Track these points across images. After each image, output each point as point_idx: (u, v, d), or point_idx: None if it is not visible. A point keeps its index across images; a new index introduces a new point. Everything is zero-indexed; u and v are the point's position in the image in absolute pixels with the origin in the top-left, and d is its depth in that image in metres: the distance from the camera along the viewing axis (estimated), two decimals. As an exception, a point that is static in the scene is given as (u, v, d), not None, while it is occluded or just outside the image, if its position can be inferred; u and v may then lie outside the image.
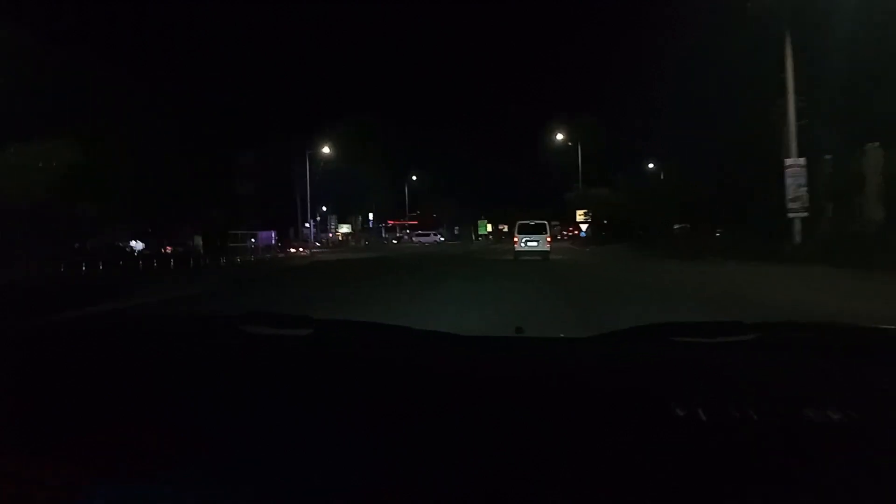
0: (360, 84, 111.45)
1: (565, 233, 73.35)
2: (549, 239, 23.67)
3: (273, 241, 49.08)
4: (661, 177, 56.73)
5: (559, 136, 52.25)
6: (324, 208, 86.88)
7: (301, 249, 51.92)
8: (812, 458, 0.76)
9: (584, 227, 49.90)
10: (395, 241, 76.73)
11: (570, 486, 0.72)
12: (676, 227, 50.64)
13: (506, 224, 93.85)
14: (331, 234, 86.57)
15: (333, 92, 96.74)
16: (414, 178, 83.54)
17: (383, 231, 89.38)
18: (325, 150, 52.01)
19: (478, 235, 73.81)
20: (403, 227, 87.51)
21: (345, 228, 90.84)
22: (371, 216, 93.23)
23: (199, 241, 38.11)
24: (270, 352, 1.32)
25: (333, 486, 0.74)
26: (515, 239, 23.64)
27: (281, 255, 47.73)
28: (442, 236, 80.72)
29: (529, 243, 23.16)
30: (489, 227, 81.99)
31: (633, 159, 54.65)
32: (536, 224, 23.94)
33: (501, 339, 1.42)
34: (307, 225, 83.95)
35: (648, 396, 0.94)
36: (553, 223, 59.57)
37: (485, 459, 0.77)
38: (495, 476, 0.74)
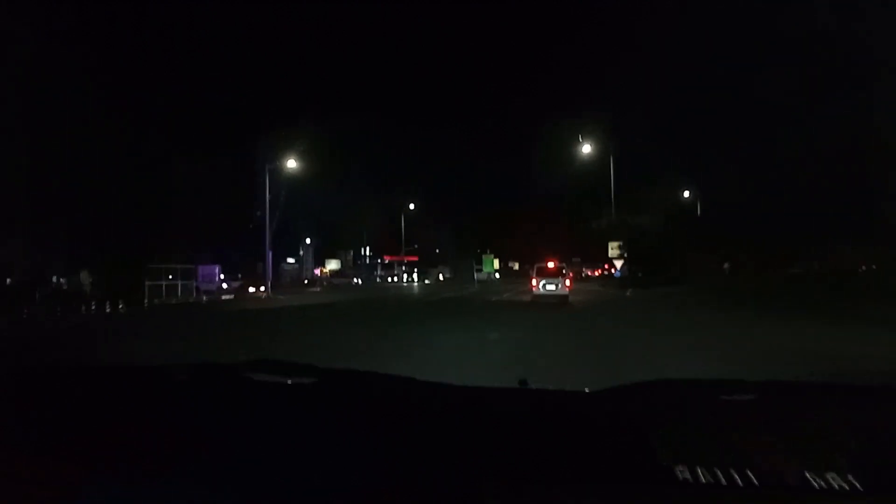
0: (347, 92, 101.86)
1: (593, 272, 62.01)
2: (567, 284, 23.51)
3: (217, 279, 37.90)
4: (699, 207, 45.87)
5: (585, 149, 41.05)
6: (307, 241, 76.69)
7: (259, 290, 40.96)
8: None
9: (618, 263, 38.42)
10: (390, 280, 65.24)
11: (571, 491, 0.76)
12: (726, 265, 39.46)
13: (517, 261, 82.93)
14: (317, 272, 75.75)
15: (313, 96, 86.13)
16: (412, 206, 72.78)
17: (378, 268, 78.16)
18: (291, 163, 41.10)
19: (479, 271, 61.49)
20: (401, 264, 76.39)
21: (333, 265, 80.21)
22: (367, 251, 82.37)
23: (85, 277, 27.03)
24: (275, 398, 1.34)
25: (336, 488, 0.78)
26: (533, 283, 23.64)
27: (226, 298, 36.71)
28: (443, 274, 69.04)
29: (548, 286, 23.10)
30: (496, 263, 67.98)
31: (665, 186, 43.68)
32: (555, 267, 24.07)
33: (504, 391, 1.39)
34: (294, 260, 74.68)
35: (647, 453, 0.94)
36: (574, 259, 47.58)
37: (489, 467, 0.82)
38: (497, 480, 0.78)
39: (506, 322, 14.90)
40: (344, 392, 1.37)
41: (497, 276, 59.81)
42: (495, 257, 63.25)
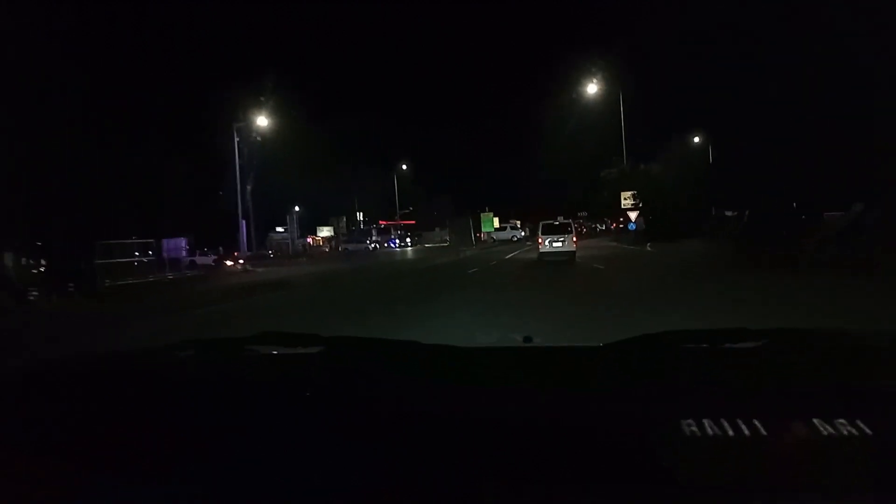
0: (330, 48, 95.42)
1: (606, 226, 57.68)
2: (574, 239, 22.60)
3: (183, 253, 33.84)
4: (710, 154, 41.26)
5: (591, 89, 36.35)
6: (296, 208, 72.25)
7: (233, 263, 37.02)
8: (816, 467, 0.77)
9: (632, 215, 34.11)
10: (386, 246, 60.96)
11: (571, 491, 0.74)
12: (728, 213, 35.26)
13: (517, 220, 78.27)
14: (308, 240, 71.59)
15: (292, 52, 79.64)
16: (404, 167, 68.13)
17: (374, 233, 73.98)
18: (261, 120, 36.54)
19: (478, 235, 55.82)
20: (398, 229, 72.12)
21: (325, 232, 75.96)
22: (361, 216, 78.06)
23: (8, 258, 22.91)
24: (281, 368, 1.37)
25: (336, 488, 0.77)
26: (539, 240, 22.60)
27: (194, 275, 32.73)
28: (441, 237, 64.96)
29: (554, 244, 22.07)
30: (496, 223, 62.60)
31: (674, 131, 39.05)
32: (561, 224, 23.24)
33: (510, 350, 1.42)
34: (285, 229, 70.37)
35: (654, 407, 0.95)
36: (580, 214, 43.14)
37: (489, 467, 0.79)
38: (497, 480, 0.76)
39: (503, 304, 10.65)
40: (347, 361, 1.37)
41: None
42: (495, 216, 59.15)
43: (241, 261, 38.47)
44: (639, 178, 35.68)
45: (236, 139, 36.17)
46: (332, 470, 0.80)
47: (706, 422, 0.84)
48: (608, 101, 37.88)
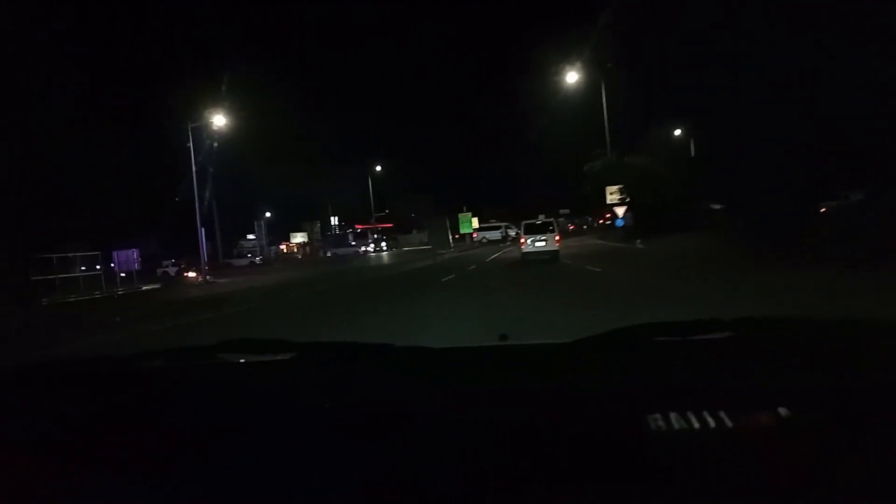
0: (296, 46, 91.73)
1: (591, 222, 55.55)
2: (557, 238, 22.42)
3: (135, 265, 30.98)
4: (692, 146, 39.34)
5: (572, 77, 34.12)
6: (267, 214, 69.33)
7: (196, 275, 34.39)
8: (787, 456, 0.77)
9: (620, 210, 31.94)
10: (365, 251, 58.01)
11: (546, 488, 0.74)
12: (716, 207, 33.40)
13: (494, 220, 75.79)
14: (282, 247, 68.74)
15: (255, 48, 75.61)
16: (378, 167, 65.58)
17: (351, 237, 71.30)
18: (221, 120, 33.83)
19: (456, 237, 51.34)
20: (374, 232, 69.48)
21: (299, 237, 73.15)
22: (336, 220, 75.32)
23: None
24: (251, 378, 1.34)
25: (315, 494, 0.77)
26: (522, 239, 22.60)
27: (149, 289, 30.03)
28: (420, 239, 62.29)
29: (537, 243, 21.97)
30: (476, 223, 57.57)
31: (657, 120, 37.00)
32: (543, 223, 22.92)
33: (484, 349, 1.41)
34: (256, 236, 67.39)
35: (626, 401, 0.96)
36: (562, 211, 40.86)
37: (465, 469, 0.80)
38: (476, 483, 0.76)
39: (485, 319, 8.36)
40: (321, 367, 1.35)
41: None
42: (474, 215, 55.53)
43: (195, 273, 35.92)
44: (624, 170, 33.49)
45: (208, 141, 33.31)
46: (310, 477, 0.79)
47: (672, 415, 0.84)
48: (591, 92, 35.77)
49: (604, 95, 33.93)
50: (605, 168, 34.37)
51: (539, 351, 1.36)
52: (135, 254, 31.42)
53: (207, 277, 33.60)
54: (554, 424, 0.90)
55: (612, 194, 33.74)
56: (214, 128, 34.37)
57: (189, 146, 33.27)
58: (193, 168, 33.51)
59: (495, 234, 54.01)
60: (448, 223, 38.93)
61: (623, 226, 32.21)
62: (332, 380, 1.22)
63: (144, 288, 30.43)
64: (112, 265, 31.31)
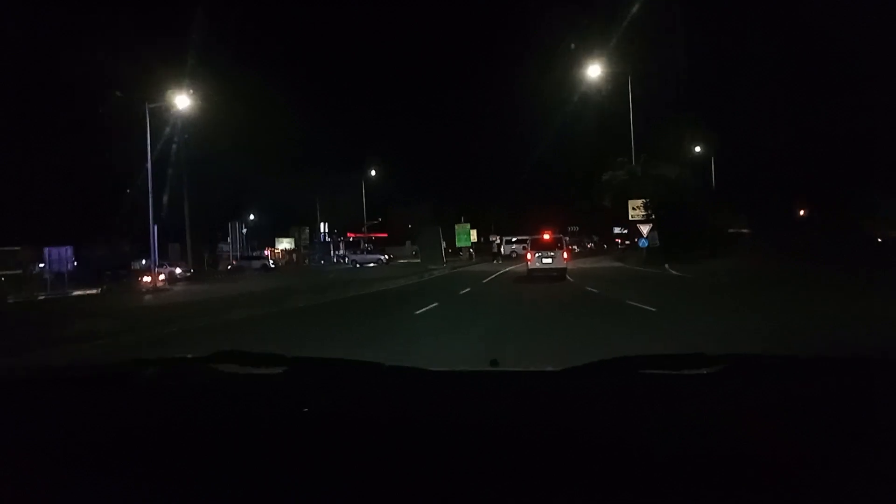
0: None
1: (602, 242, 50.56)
2: (565, 256, 21.37)
3: (69, 264, 26.02)
4: (713, 163, 34.54)
5: (593, 73, 29.31)
6: (251, 216, 64.47)
7: (152, 279, 29.57)
8: (761, 490, 0.78)
9: (644, 229, 27.01)
10: (353, 264, 52.49)
11: None
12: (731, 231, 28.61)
13: (497, 235, 70.13)
14: (266, 253, 63.76)
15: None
16: (373, 172, 60.94)
17: (341, 247, 66.36)
18: (182, 102, 29.05)
19: (449, 251, 44.60)
20: (367, 242, 64.49)
21: (285, 244, 68.25)
22: (325, 227, 70.50)
23: None
24: (244, 390, 1.35)
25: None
26: (529, 256, 21.61)
27: (81, 294, 25.08)
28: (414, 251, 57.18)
29: (544, 260, 21.10)
30: (474, 235, 50.22)
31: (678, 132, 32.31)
32: (552, 239, 21.93)
33: (474, 374, 1.42)
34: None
35: (610, 430, 0.98)
36: (571, 229, 35.99)
37: (448, 487, 0.80)
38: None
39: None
40: (313, 382, 1.36)
41: (472, 253, 43.55)
42: (472, 227, 47.68)
43: (161, 276, 31.08)
44: (651, 182, 28.59)
45: (148, 124, 28.48)
46: (296, 488, 0.80)
47: (654, 441, 0.87)
48: (607, 97, 30.98)
49: (630, 93, 29.12)
50: (630, 177, 29.44)
51: (527, 377, 1.40)
52: (68, 251, 26.58)
53: (162, 283, 28.78)
54: (540, 446, 0.91)
55: (634, 209, 28.88)
56: (178, 110, 29.57)
57: (147, 130, 28.43)
58: (149, 155, 28.67)
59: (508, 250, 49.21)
60: (441, 234, 33.08)
61: (647, 247, 27.26)
62: (320, 395, 1.25)
63: (76, 293, 25.40)
64: (43, 265, 26.49)
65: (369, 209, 63.36)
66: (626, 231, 65.99)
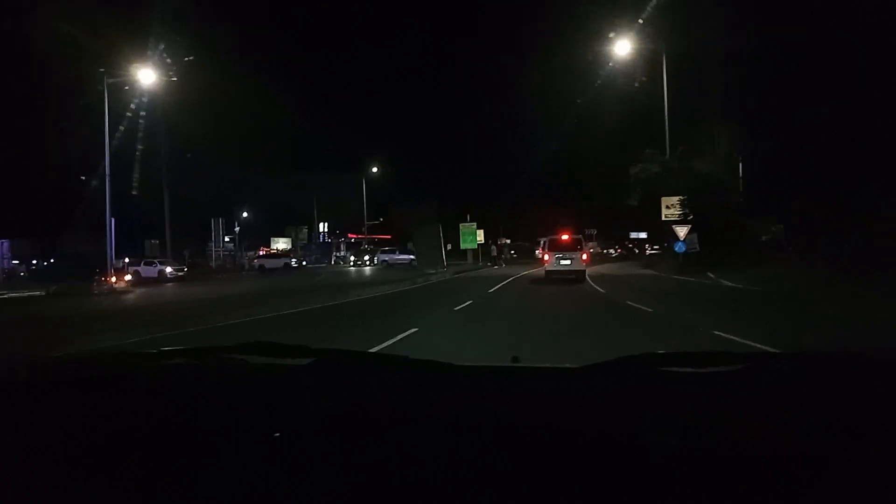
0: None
1: (614, 250, 46.21)
2: (585, 257, 20.51)
3: (5, 261, 22.14)
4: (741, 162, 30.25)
5: (621, 50, 25.26)
6: (244, 214, 60.67)
7: (118, 280, 25.83)
8: (786, 489, 0.78)
9: (682, 232, 22.80)
10: (351, 263, 47.71)
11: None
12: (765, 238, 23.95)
13: (504, 238, 65.88)
14: (261, 252, 59.89)
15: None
16: (374, 169, 57.13)
17: (342, 247, 62.41)
18: (147, 77, 25.26)
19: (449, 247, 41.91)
20: (368, 243, 60.39)
21: (282, 243, 64.52)
22: (324, 227, 66.72)
23: None
24: (272, 380, 1.36)
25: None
26: (546, 257, 20.84)
27: (17, 296, 21.32)
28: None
29: (562, 262, 20.21)
30: (481, 236, 44.08)
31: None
32: (570, 240, 20.93)
33: (496, 369, 1.43)
34: (230, 238, 58.45)
35: (631, 426, 0.97)
36: (587, 232, 31.88)
37: (473, 488, 0.80)
38: (478, 497, 0.78)
39: None
40: (340, 374, 1.38)
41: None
42: (478, 228, 41.62)
43: (127, 277, 27.31)
44: (690, 177, 24.38)
45: (106, 101, 24.63)
46: (323, 485, 0.81)
47: (675, 438, 0.88)
48: (638, 76, 26.83)
49: (665, 73, 24.95)
50: (664, 171, 25.24)
51: (548, 374, 1.40)
52: (4, 246, 22.80)
53: (125, 285, 24.99)
54: (558, 441, 0.92)
55: (668, 208, 24.68)
56: (144, 87, 25.69)
57: (106, 108, 24.58)
58: (107, 138, 24.80)
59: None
60: (441, 233, 27.67)
61: (685, 251, 23.08)
62: (346, 387, 1.27)
63: (13, 295, 21.54)
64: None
65: (372, 209, 59.35)
66: (642, 236, 62.03)
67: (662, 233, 27.76)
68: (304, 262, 49.14)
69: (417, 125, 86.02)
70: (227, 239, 56.51)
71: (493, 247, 37.56)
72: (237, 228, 57.45)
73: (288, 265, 41.71)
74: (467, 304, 12.39)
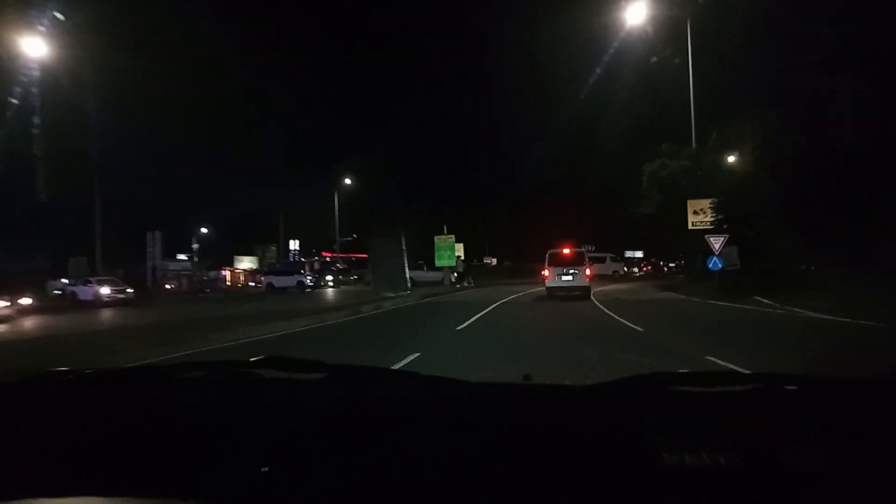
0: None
1: (621, 269, 40.76)
2: (588, 272, 18.98)
3: None
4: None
5: (636, 15, 20.20)
6: (203, 230, 54.96)
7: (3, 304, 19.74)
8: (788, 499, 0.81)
9: (717, 244, 17.48)
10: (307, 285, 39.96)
11: None
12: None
13: (491, 256, 60.22)
14: (224, 273, 54.05)
15: None
16: (347, 181, 51.97)
17: (316, 265, 56.54)
18: (37, 48, 19.88)
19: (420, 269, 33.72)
20: (345, 262, 54.65)
21: (247, 262, 58.94)
22: (295, 244, 61.07)
23: None
24: (286, 395, 1.37)
25: None
26: (546, 272, 19.18)
27: None
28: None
29: (564, 277, 18.76)
30: (460, 253, 38.14)
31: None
32: (572, 254, 19.22)
33: (507, 386, 1.41)
34: (188, 257, 52.60)
35: (642, 445, 0.97)
36: (585, 247, 26.66)
37: (479, 496, 0.83)
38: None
39: None
40: (352, 390, 1.39)
41: (454, 276, 32.76)
42: (457, 241, 34.71)
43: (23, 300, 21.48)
44: (726, 175, 19.13)
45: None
46: (340, 470, 0.86)
47: (686, 455, 0.88)
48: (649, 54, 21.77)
49: (689, 46, 19.81)
50: (691, 167, 19.96)
51: (559, 391, 1.39)
52: None
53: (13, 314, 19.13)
54: (568, 456, 0.93)
55: (697, 214, 19.33)
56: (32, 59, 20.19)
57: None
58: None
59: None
60: (404, 245, 20.83)
61: (723, 268, 17.73)
62: (360, 401, 1.27)
63: None
64: None
65: (350, 225, 53.70)
66: (638, 255, 56.24)
67: (681, 247, 22.52)
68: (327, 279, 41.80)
69: (401, 138, 79.13)
70: (183, 257, 50.91)
71: (459, 262, 30.85)
72: (195, 246, 51.92)
73: (302, 283, 34.61)
74: (411, 358, 6.89)
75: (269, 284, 36.16)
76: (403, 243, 19.79)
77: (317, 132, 75.99)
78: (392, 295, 18.90)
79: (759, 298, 15.40)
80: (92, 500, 0.85)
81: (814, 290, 15.44)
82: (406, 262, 19.78)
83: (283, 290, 32.80)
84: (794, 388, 1.30)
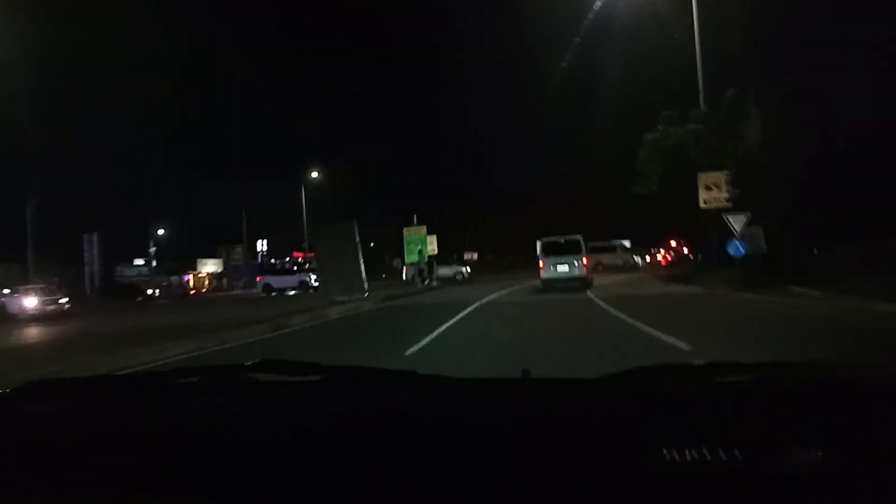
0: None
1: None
2: (585, 262, 17.84)
3: None
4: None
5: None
6: (160, 231, 51.20)
7: None
8: (794, 501, 0.80)
9: (737, 223, 14.46)
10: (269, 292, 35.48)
11: None
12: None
13: (474, 251, 57.16)
14: (187, 278, 50.14)
15: None
16: (315, 174, 48.52)
17: (281, 265, 52.86)
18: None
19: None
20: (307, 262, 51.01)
21: (211, 265, 55.17)
22: (264, 245, 57.40)
23: None
24: (280, 398, 1.37)
25: None
26: (541, 263, 17.98)
27: None
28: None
29: (559, 267, 17.70)
30: (433, 247, 33.44)
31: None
32: (567, 242, 18.05)
33: (506, 382, 1.42)
34: (145, 261, 48.65)
35: (640, 438, 0.97)
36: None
37: (478, 494, 0.83)
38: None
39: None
40: (349, 389, 1.39)
41: (426, 274, 26.72)
42: (429, 234, 31.65)
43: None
44: (737, 143, 16.10)
45: None
46: (337, 472, 0.86)
47: (686, 450, 0.87)
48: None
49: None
50: (706, 129, 16.81)
51: (560, 385, 1.39)
52: None
53: None
54: (568, 456, 0.92)
55: (710, 189, 16.16)
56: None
57: None
58: None
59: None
60: (357, 236, 16.79)
61: (745, 254, 14.68)
62: (355, 402, 1.26)
63: None
64: None
65: (312, 221, 50.22)
66: (626, 243, 53.12)
67: (689, 230, 19.55)
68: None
69: (377, 132, 75.33)
70: (140, 262, 47.16)
71: (421, 257, 26.81)
72: (152, 249, 48.12)
73: (305, 283, 31.14)
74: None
75: (267, 286, 32.64)
76: (357, 234, 16.22)
77: (282, 127, 72.55)
78: (345, 299, 15.56)
79: (795, 288, 12.43)
80: (92, 501, 0.86)
81: (831, 280, 12.44)
82: (360, 255, 16.15)
83: (283, 291, 29.85)
84: (793, 387, 1.26)
